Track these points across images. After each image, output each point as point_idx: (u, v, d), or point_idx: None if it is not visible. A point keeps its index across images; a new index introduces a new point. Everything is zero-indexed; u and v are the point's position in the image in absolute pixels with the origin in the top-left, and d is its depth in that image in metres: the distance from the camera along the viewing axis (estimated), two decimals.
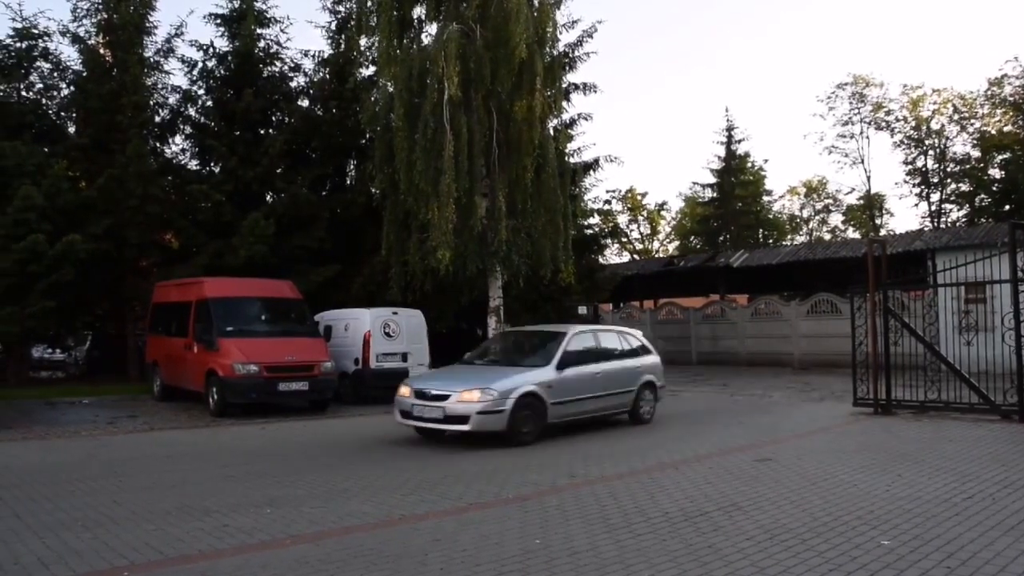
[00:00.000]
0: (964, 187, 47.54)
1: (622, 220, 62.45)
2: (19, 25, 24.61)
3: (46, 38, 25.16)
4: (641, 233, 66.04)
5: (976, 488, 8.79)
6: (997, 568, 6.05)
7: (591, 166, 29.60)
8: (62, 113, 26.28)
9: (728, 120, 61.63)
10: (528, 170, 19.02)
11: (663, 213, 65.31)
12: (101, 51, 25.59)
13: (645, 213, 64.84)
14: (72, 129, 26.09)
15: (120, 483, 9.92)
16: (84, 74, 25.14)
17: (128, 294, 24.99)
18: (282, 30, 28.29)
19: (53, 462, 11.74)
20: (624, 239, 63.04)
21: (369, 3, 20.33)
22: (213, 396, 17.41)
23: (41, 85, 25.65)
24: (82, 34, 25.55)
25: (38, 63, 25.27)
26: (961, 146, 48.46)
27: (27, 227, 20.60)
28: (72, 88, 25.72)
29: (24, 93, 25.23)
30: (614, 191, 60.44)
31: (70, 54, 26.60)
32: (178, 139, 27.92)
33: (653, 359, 16.20)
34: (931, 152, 49.07)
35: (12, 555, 6.76)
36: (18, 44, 24.53)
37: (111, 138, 23.79)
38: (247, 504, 8.56)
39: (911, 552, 6.43)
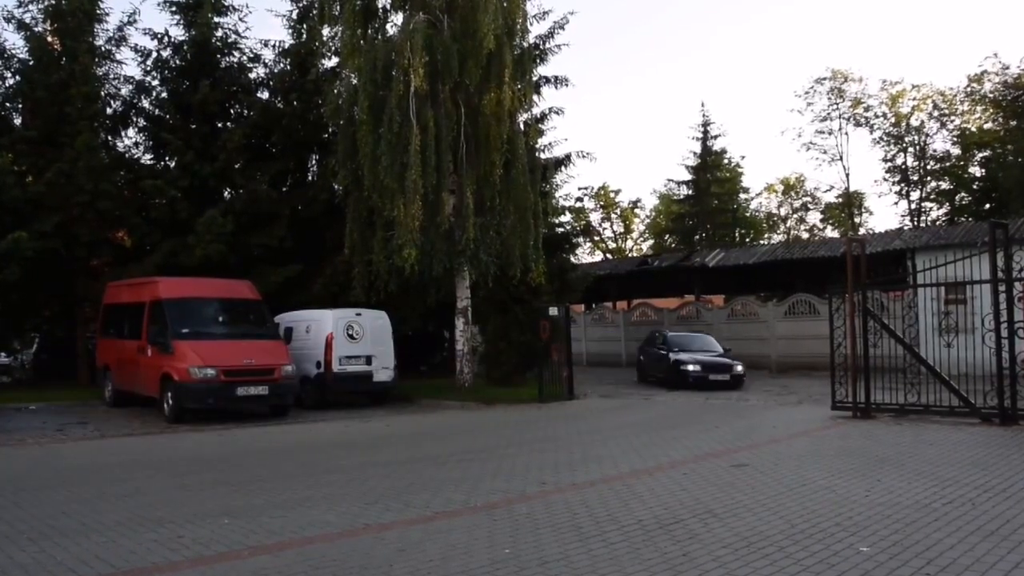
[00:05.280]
0: (944, 185, 47.79)
1: (594, 218, 62.63)
2: None
3: None
4: (614, 232, 66.04)
5: (956, 493, 8.69)
6: (977, 574, 6.00)
7: (562, 162, 29.23)
8: (7, 104, 25.42)
9: (704, 115, 60.54)
10: (497, 166, 18.88)
11: (637, 211, 65.34)
12: (49, 39, 24.80)
13: (618, 211, 64.78)
14: (18, 121, 25.32)
15: (69, 493, 9.61)
16: (31, 63, 24.36)
17: (78, 295, 24.39)
18: (241, 19, 28.06)
19: None
20: (597, 238, 62.97)
21: None
22: (168, 401, 17.00)
23: None
24: (28, 21, 24.71)
25: None
26: (941, 143, 48.61)
27: None
28: (18, 78, 24.92)
29: None
30: (586, 188, 60.53)
31: (15, 41, 25.74)
32: (131, 132, 27.42)
33: None
34: (911, 149, 49.22)
35: None
36: None
37: (60, 131, 23.06)
38: (203, 514, 8.31)
39: (890, 559, 6.34)
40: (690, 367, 23.20)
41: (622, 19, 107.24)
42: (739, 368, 23.48)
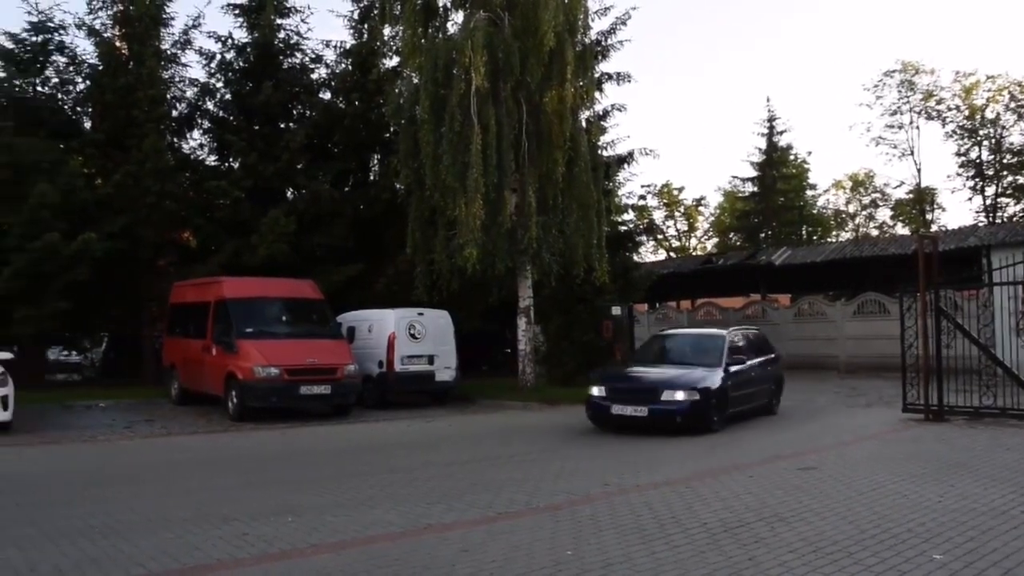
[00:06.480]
0: (1022, 180, 46.55)
1: (658, 216, 61.68)
2: (35, 19, 24.35)
3: (62, 31, 24.82)
4: (678, 230, 65.36)
5: None
6: None
7: (625, 159, 28.99)
8: (78, 108, 25.94)
9: (769, 111, 58.59)
10: (559, 164, 18.72)
11: (701, 209, 64.57)
12: (117, 44, 25.30)
13: (682, 209, 64.07)
14: (88, 124, 25.77)
15: (137, 490, 9.78)
16: (100, 68, 24.85)
17: (145, 295, 24.76)
18: (303, 20, 28.11)
19: (69, 468, 11.67)
20: (660, 236, 62.20)
21: None
22: (232, 400, 17.10)
23: (57, 80, 25.29)
24: (98, 27, 25.26)
25: (54, 57, 24.88)
26: (1018, 136, 47.49)
27: (42, 225, 20.27)
28: (88, 82, 25.40)
29: (40, 88, 24.96)
30: (649, 186, 58.98)
31: (86, 47, 26.55)
32: (196, 134, 27.78)
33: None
34: (985, 143, 47.99)
35: (28, 563, 6.61)
36: (34, 38, 24.27)
37: (127, 133, 23.41)
38: (267, 512, 8.37)
39: (965, 567, 6.16)
40: (594, 391, 14.92)
41: (685, 13, 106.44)
42: (680, 395, 13.94)
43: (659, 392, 14.10)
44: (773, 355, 17.56)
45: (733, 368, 15.02)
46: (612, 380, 15.18)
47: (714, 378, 14.47)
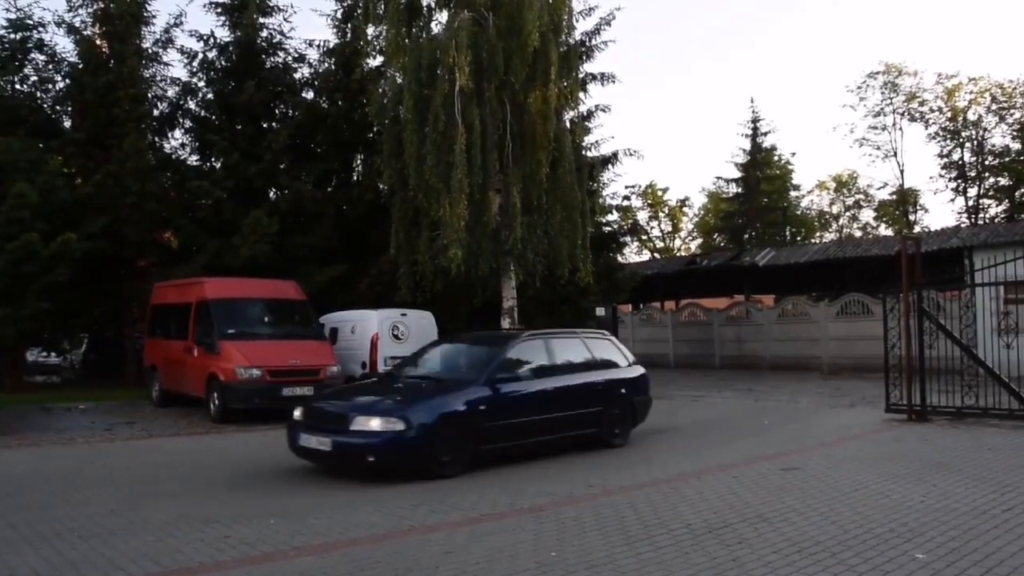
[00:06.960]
0: (1003, 181, 46.98)
1: (642, 217, 61.87)
2: (13, 16, 24.23)
3: (41, 29, 24.70)
4: (662, 231, 65.60)
5: (1016, 499, 8.46)
6: None
7: (609, 160, 29.11)
8: (57, 107, 25.76)
9: (754, 112, 59.18)
10: (543, 164, 18.66)
11: (685, 209, 64.75)
12: (97, 42, 25.13)
13: (666, 209, 64.21)
14: (68, 123, 25.64)
15: (117, 492, 9.75)
16: (80, 66, 24.68)
17: (126, 295, 24.63)
18: (286, 19, 27.97)
19: (48, 470, 11.64)
20: (644, 237, 62.29)
21: None
22: (214, 402, 17.03)
23: (36, 78, 25.17)
24: (78, 24, 25.09)
25: (32, 55, 24.77)
26: (1000, 138, 47.77)
27: (21, 226, 20.03)
28: (67, 81, 25.25)
29: (18, 86, 24.78)
30: (633, 187, 59.42)
31: (65, 45, 26.26)
32: (177, 133, 27.52)
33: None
34: (968, 144, 48.35)
35: (6, 567, 6.64)
36: (12, 35, 24.12)
37: (108, 133, 23.24)
38: (250, 514, 8.34)
39: (947, 566, 6.22)
40: (295, 412, 11.38)
41: (670, 14, 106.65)
42: (375, 424, 10.12)
43: (348, 419, 10.32)
44: (631, 372, 13.88)
45: (507, 387, 11.38)
46: (321, 399, 12.07)
47: (452, 400, 10.76)
